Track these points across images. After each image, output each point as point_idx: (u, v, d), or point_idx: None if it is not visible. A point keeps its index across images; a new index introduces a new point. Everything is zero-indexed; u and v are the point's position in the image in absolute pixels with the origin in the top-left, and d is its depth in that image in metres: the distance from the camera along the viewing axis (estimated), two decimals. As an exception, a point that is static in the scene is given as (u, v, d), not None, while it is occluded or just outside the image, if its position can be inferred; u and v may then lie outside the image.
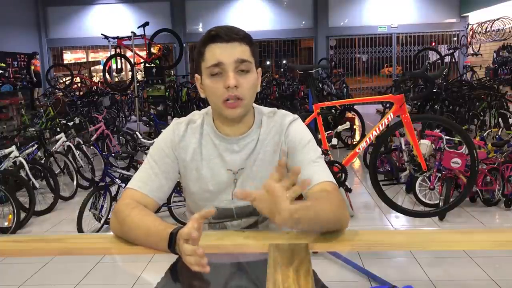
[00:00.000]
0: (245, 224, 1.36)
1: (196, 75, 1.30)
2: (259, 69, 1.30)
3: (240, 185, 1.31)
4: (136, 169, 4.48)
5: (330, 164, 3.46)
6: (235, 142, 1.30)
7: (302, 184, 0.97)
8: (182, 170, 1.34)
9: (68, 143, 5.16)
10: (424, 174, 3.83)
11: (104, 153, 4.77)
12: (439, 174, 3.88)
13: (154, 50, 8.51)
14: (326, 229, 1.15)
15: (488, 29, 10.29)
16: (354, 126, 7.21)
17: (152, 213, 1.21)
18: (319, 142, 3.59)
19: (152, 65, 8.05)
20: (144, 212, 1.20)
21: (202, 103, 8.79)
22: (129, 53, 8.55)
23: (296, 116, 1.36)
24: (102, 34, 8.01)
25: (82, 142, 5.40)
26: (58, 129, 5.61)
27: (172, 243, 1.06)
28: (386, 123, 3.35)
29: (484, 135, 4.57)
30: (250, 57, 1.23)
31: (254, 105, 1.35)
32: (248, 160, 1.31)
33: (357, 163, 5.88)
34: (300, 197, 1.28)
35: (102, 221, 3.75)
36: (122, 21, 11.77)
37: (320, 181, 1.23)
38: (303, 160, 1.27)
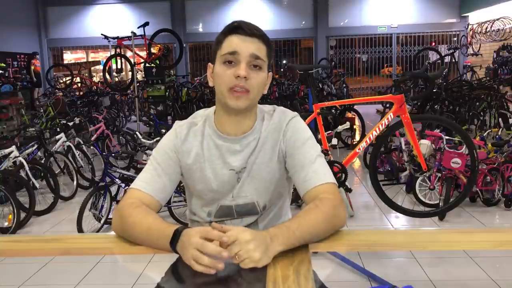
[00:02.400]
0: (245, 222, 1.37)
1: (209, 64, 1.31)
2: (270, 73, 1.32)
3: (243, 184, 1.32)
4: (136, 169, 4.49)
5: (330, 164, 3.46)
6: (237, 142, 1.31)
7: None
8: (185, 172, 1.35)
9: (68, 143, 5.16)
10: (424, 174, 3.83)
11: (104, 153, 4.76)
12: (439, 174, 3.88)
13: (154, 50, 8.50)
14: (322, 237, 1.16)
15: (488, 29, 10.30)
16: (354, 126, 7.21)
17: (154, 213, 1.22)
18: (319, 142, 3.58)
19: (152, 65, 8.05)
20: (147, 211, 1.20)
21: (202, 103, 8.79)
22: (129, 53, 8.55)
23: (295, 113, 1.36)
24: (102, 34, 8.01)
25: (82, 142, 5.40)
26: (58, 129, 5.60)
27: (175, 240, 1.06)
28: (386, 123, 3.35)
29: (484, 135, 4.57)
30: (265, 57, 1.25)
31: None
32: (249, 159, 1.32)
33: (357, 163, 5.88)
34: (298, 197, 1.28)
35: (102, 221, 3.75)
36: (122, 21, 11.77)
37: (316, 184, 1.24)
38: (303, 161, 1.28)
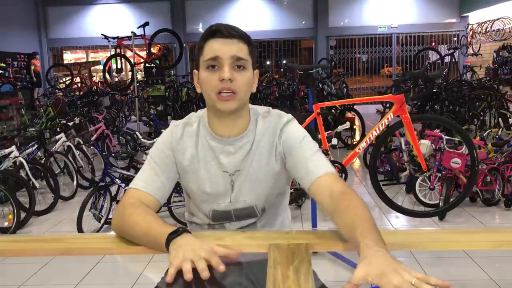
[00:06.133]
0: (244, 224, 1.37)
1: (195, 70, 1.31)
2: (256, 70, 1.32)
3: (237, 187, 1.32)
4: (136, 169, 4.49)
5: (330, 164, 3.46)
6: (230, 144, 1.31)
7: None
8: (180, 172, 1.35)
9: (68, 143, 5.16)
10: (424, 174, 3.83)
11: (104, 153, 4.77)
12: (439, 174, 3.88)
13: (154, 50, 8.50)
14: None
15: (488, 29, 10.30)
16: (354, 126, 7.20)
17: (155, 214, 1.22)
18: (319, 142, 3.59)
19: (152, 65, 8.05)
20: (147, 211, 1.20)
21: (202, 103, 8.80)
22: (129, 53, 8.55)
23: (290, 116, 1.36)
24: (102, 34, 8.01)
25: (82, 142, 5.40)
26: (58, 129, 5.61)
27: (175, 235, 1.05)
28: (386, 123, 3.34)
29: (484, 135, 4.57)
30: (247, 56, 1.25)
31: (250, 105, 1.35)
32: (243, 162, 1.31)
33: (357, 163, 5.87)
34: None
35: (102, 221, 3.75)
36: (122, 21, 11.78)
37: (319, 174, 1.23)
38: (303, 156, 1.28)
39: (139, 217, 1.17)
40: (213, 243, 1.06)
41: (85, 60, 14.12)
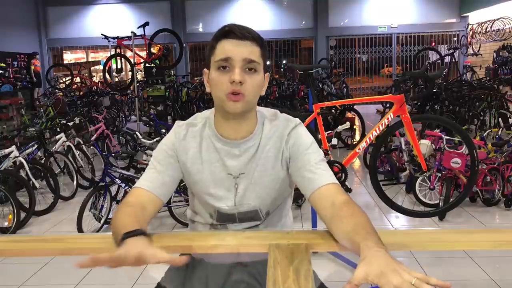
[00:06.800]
0: (247, 226, 1.37)
1: (205, 69, 1.30)
2: (267, 74, 1.30)
3: (241, 190, 1.31)
4: (136, 169, 4.49)
5: (330, 164, 3.46)
6: (236, 146, 1.30)
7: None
8: (184, 172, 1.34)
9: (68, 143, 5.16)
10: (424, 174, 3.83)
11: (104, 153, 4.76)
12: (439, 174, 3.89)
13: (154, 50, 8.51)
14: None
15: (488, 29, 10.30)
16: (354, 126, 7.21)
17: (144, 215, 1.20)
18: (319, 142, 3.59)
19: (152, 65, 8.05)
20: (136, 212, 1.19)
21: (202, 103, 8.80)
22: (129, 53, 8.55)
23: (298, 120, 1.35)
24: (102, 34, 8.02)
25: (82, 142, 5.40)
26: (58, 129, 5.61)
27: (131, 234, 1.05)
28: (386, 123, 3.34)
29: (484, 135, 4.57)
30: (259, 59, 1.24)
31: (257, 108, 1.34)
32: (248, 165, 1.30)
33: (357, 163, 5.88)
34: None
35: (102, 221, 3.75)
36: (122, 21, 11.79)
37: (322, 184, 1.22)
38: (308, 163, 1.27)
39: (124, 215, 1.16)
40: (160, 249, 1.02)
41: (85, 60, 14.12)
